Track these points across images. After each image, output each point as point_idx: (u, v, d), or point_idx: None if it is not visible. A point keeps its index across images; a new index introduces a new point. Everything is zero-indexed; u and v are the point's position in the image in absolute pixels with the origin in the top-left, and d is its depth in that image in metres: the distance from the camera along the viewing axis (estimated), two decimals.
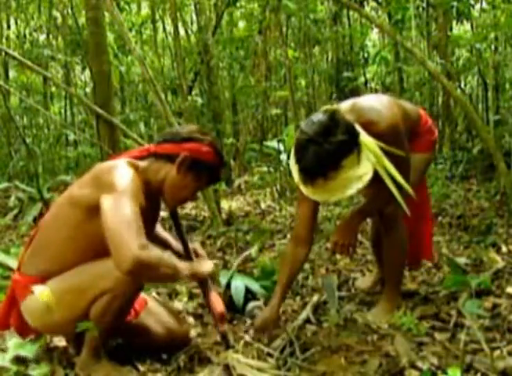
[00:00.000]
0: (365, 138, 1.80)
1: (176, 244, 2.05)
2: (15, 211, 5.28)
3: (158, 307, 2.00)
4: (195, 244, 2.08)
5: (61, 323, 1.68)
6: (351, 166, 1.74)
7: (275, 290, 2.08)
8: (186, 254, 1.95)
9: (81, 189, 1.69)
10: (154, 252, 1.54)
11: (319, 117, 1.76)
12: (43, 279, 1.68)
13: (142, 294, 1.91)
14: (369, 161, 1.78)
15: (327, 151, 1.68)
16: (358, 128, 1.80)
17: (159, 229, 2.09)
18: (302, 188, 1.84)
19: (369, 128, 1.84)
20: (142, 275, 1.55)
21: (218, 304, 1.88)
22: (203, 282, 1.88)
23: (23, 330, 1.77)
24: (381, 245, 2.32)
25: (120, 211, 1.54)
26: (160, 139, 1.84)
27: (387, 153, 1.87)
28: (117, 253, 1.49)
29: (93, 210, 1.61)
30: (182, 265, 1.67)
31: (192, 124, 1.99)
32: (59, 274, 1.67)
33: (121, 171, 1.65)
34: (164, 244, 2.03)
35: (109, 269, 1.59)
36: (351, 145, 1.73)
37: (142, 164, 1.78)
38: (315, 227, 2.18)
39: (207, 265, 1.78)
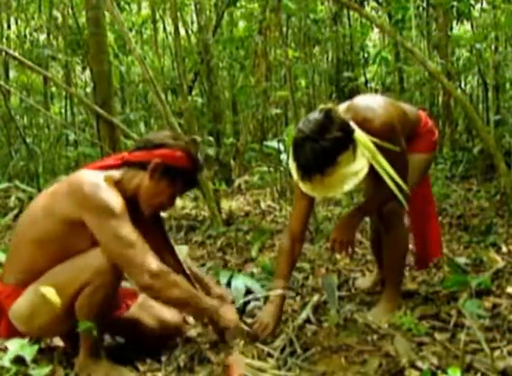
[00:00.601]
0: (360, 135, 1.84)
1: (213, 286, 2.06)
2: (15, 211, 5.27)
3: (149, 300, 2.00)
4: (207, 278, 2.10)
5: (48, 324, 1.68)
6: (347, 162, 1.79)
7: (275, 284, 2.08)
8: (177, 265, 1.95)
9: (58, 203, 1.67)
10: (170, 280, 1.64)
11: (314, 115, 1.81)
12: (22, 286, 1.70)
13: (134, 288, 1.93)
14: (364, 157, 1.83)
15: (323, 148, 1.73)
16: (353, 125, 1.84)
17: (191, 266, 2.09)
18: (301, 185, 1.89)
19: (365, 125, 1.88)
20: (155, 298, 1.66)
21: (237, 370, 1.67)
22: (225, 335, 1.82)
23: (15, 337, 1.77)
24: (381, 245, 2.33)
25: (120, 237, 1.60)
26: (133, 148, 1.85)
27: (382, 150, 1.90)
28: (137, 270, 1.60)
29: (71, 224, 1.64)
30: (206, 301, 1.74)
31: (165, 131, 1.98)
32: (35, 279, 1.68)
33: (104, 190, 1.65)
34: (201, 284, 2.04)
35: (87, 262, 1.62)
36: (347, 141, 1.78)
37: (117, 174, 1.77)
38: (307, 224, 2.25)
39: (234, 314, 1.81)
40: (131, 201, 1.76)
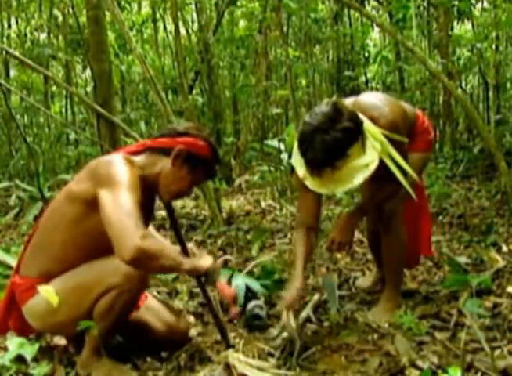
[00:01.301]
0: (369, 126, 1.81)
1: (168, 244, 2.05)
2: (15, 210, 5.27)
3: (158, 303, 2.00)
4: (191, 245, 2.08)
5: (66, 323, 1.68)
6: (357, 155, 1.75)
7: (295, 264, 2.04)
8: (183, 252, 1.95)
9: (78, 185, 1.70)
10: (156, 242, 1.57)
11: (321, 108, 1.77)
12: (45, 279, 1.68)
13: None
14: (374, 149, 1.78)
15: (334, 139, 1.69)
16: (361, 116, 1.81)
17: (153, 231, 2.08)
18: (308, 182, 1.83)
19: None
20: (144, 264, 1.55)
21: (227, 288, 1.83)
22: (204, 278, 1.83)
23: (24, 331, 1.78)
24: (379, 244, 2.33)
25: (119, 203, 1.55)
26: (156, 135, 1.87)
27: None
28: (119, 242, 1.49)
29: (91, 204, 1.62)
30: (184, 259, 1.69)
31: (189, 122, 2.01)
32: (62, 274, 1.67)
33: (118, 165, 1.66)
34: None
35: (115, 266, 1.60)
36: (357, 132, 1.74)
37: (138, 158, 1.79)
38: (320, 217, 2.17)
39: (207, 260, 1.77)
40: (150, 186, 1.78)
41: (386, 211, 2.17)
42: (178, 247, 1.98)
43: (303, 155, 1.76)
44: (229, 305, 1.88)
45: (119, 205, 1.54)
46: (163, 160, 1.78)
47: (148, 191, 1.78)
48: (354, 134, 1.73)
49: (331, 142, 1.68)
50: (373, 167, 1.76)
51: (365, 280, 2.66)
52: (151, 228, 2.07)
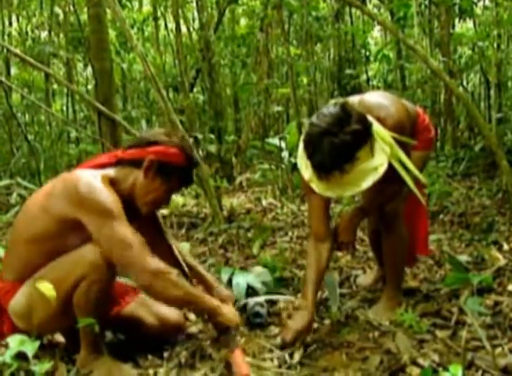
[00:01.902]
0: (378, 128, 1.78)
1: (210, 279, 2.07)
2: (17, 208, 5.26)
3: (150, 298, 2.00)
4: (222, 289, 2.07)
5: (46, 320, 1.69)
6: (366, 158, 1.71)
7: (305, 290, 1.98)
8: (175, 263, 1.96)
9: (54, 201, 1.67)
10: (170, 278, 1.63)
11: (329, 109, 1.71)
12: (20, 282, 1.70)
13: (133, 285, 1.93)
14: (383, 152, 1.75)
15: (343, 142, 1.64)
16: (370, 118, 1.78)
17: (191, 260, 2.10)
18: (314, 185, 1.79)
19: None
20: (156, 298, 1.66)
21: (243, 365, 1.67)
22: (227, 333, 1.78)
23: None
24: (380, 243, 2.32)
25: (118, 238, 1.60)
26: (126, 146, 1.84)
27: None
28: (137, 269, 1.60)
29: (66, 223, 1.64)
30: (207, 300, 1.72)
31: (158, 128, 1.98)
32: (32, 274, 1.69)
33: (102, 191, 1.64)
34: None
35: (81, 257, 1.63)
36: (366, 135, 1.70)
37: (112, 173, 1.77)
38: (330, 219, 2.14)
39: (235, 315, 1.78)
40: (127, 199, 1.75)
41: (388, 211, 2.16)
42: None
43: (309, 158, 1.71)
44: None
45: (121, 239, 1.59)
46: (135, 173, 1.76)
47: (126, 206, 1.74)
48: (363, 136, 1.69)
49: (340, 146, 1.64)
50: (382, 170, 1.73)
51: (366, 278, 2.66)
52: (190, 258, 2.10)
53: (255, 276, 2.44)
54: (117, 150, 1.90)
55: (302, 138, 1.77)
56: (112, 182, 1.74)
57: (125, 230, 1.61)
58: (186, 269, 2.00)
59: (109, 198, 1.64)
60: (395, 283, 2.26)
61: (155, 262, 1.63)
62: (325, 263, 2.03)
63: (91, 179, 1.67)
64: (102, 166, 1.79)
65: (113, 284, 1.78)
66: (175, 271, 1.70)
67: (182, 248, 2.13)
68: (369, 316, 2.16)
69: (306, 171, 1.81)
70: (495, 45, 7.56)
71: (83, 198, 1.62)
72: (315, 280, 1.98)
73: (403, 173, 1.87)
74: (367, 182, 1.72)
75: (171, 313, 1.97)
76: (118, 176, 1.77)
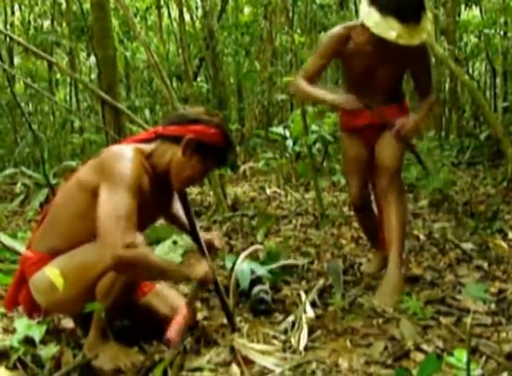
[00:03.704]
0: None
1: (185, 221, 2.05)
2: (21, 197, 5.30)
3: (166, 289, 2.02)
4: (214, 233, 2.08)
5: (66, 301, 1.69)
6: (425, 14, 2.13)
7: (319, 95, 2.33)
8: (194, 238, 1.96)
9: (87, 173, 1.71)
10: (139, 252, 1.54)
11: None
12: (52, 256, 1.70)
13: None
14: (428, 18, 2.16)
15: None
16: None
17: (177, 206, 2.07)
18: (402, 40, 2.08)
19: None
20: (126, 272, 1.60)
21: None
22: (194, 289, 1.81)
23: (32, 308, 1.79)
24: (371, 222, 2.58)
25: (113, 204, 1.55)
26: (166, 121, 1.85)
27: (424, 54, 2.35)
28: (103, 247, 1.53)
29: (95, 194, 1.62)
30: (173, 268, 1.68)
31: (199, 107, 1.98)
32: (67, 251, 1.69)
33: (124, 161, 1.64)
34: (178, 222, 2.06)
35: None
36: None
37: (149, 147, 1.78)
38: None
39: (201, 269, 1.74)
40: (162, 174, 1.77)
41: (395, 171, 2.36)
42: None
43: (398, 8, 2.04)
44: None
45: (112, 207, 1.55)
46: (173, 149, 1.76)
47: (159, 180, 1.77)
48: None
49: None
50: (429, 28, 2.20)
51: (370, 266, 2.67)
52: (180, 211, 2.05)
53: (259, 263, 2.44)
54: (157, 126, 1.90)
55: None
56: (148, 156, 1.75)
57: (125, 202, 1.56)
58: (205, 247, 2.00)
59: (127, 168, 1.63)
60: (399, 257, 2.31)
61: (132, 239, 1.54)
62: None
63: (122, 150, 1.69)
64: (141, 141, 1.80)
65: (139, 280, 1.78)
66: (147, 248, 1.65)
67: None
68: (373, 303, 2.17)
69: (391, 30, 2.08)
70: (501, 32, 7.47)
71: (105, 166, 1.63)
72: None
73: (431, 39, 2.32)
74: (424, 35, 2.16)
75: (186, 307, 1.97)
76: (156, 151, 1.77)
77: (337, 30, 2.32)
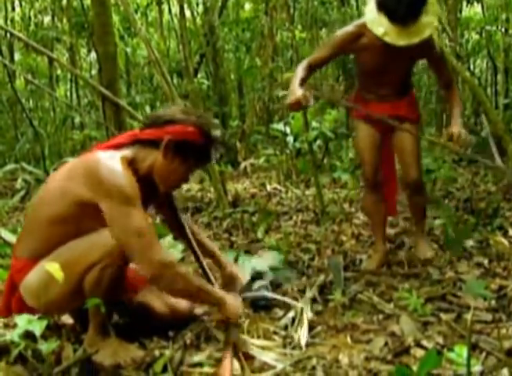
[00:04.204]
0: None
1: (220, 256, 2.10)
2: (22, 193, 5.30)
3: None
4: (236, 269, 2.11)
5: (57, 300, 1.69)
6: (425, 14, 2.19)
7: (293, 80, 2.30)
8: (184, 238, 1.97)
9: (74, 184, 1.66)
10: (180, 270, 1.65)
11: None
12: (34, 260, 1.70)
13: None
14: (433, 13, 2.23)
15: None
16: None
17: (202, 235, 2.12)
18: (389, 38, 2.19)
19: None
20: (165, 288, 1.68)
21: (224, 368, 1.63)
22: (229, 331, 1.80)
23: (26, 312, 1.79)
24: (384, 216, 2.73)
25: (133, 225, 1.59)
26: (143, 124, 1.82)
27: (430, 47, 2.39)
28: (144, 258, 1.60)
29: (84, 206, 1.63)
30: (212, 291, 1.76)
31: (175, 106, 1.95)
32: (48, 255, 1.69)
33: (120, 175, 1.62)
34: (180, 231, 2.06)
35: (97, 241, 1.63)
36: None
37: (130, 153, 1.75)
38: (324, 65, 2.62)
39: (239, 307, 1.80)
40: (145, 179, 1.75)
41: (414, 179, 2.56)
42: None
43: (397, 4, 2.12)
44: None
45: (136, 226, 1.59)
46: (154, 154, 1.74)
47: (146, 185, 1.75)
48: None
49: None
50: (435, 23, 2.25)
51: (371, 262, 2.66)
52: (199, 230, 2.13)
53: (260, 260, 2.44)
54: (134, 130, 1.89)
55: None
56: (130, 163, 1.73)
57: (140, 218, 1.60)
58: (197, 249, 2.00)
59: (128, 184, 1.62)
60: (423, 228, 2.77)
61: (164, 254, 1.64)
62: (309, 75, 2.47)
63: (112, 162, 1.65)
64: (121, 146, 1.78)
65: (126, 271, 1.78)
66: (183, 266, 1.71)
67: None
68: (373, 299, 2.17)
69: (380, 27, 2.20)
70: (503, 29, 7.45)
71: (101, 182, 1.61)
72: (304, 79, 2.34)
73: (436, 35, 2.34)
74: (426, 33, 2.22)
75: (181, 302, 1.98)
76: (137, 156, 1.75)
77: (350, 27, 2.42)
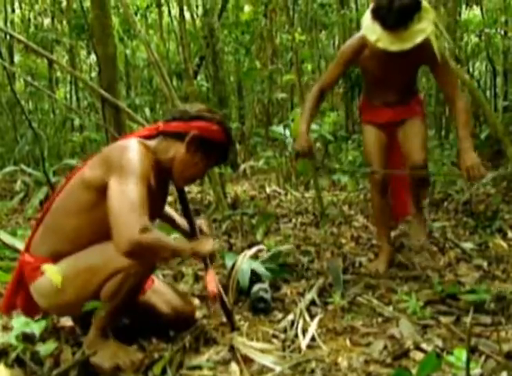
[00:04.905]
0: (426, 5, 2.25)
1: (180, 220, 2.07)
2: (21, 195, 5.30)
3: (165, 287, 2.01)
4: (201, 221, 2.08)
5: (71, 304, 1.68)
6: (418, 21, 2.22)
7: (302, 119, 2.49)
8: (192, 232, 1.96)
9: (91, 171, 1.68)
10: (153, 235, 1.53)
11: None
12: (55, 259, 1.68)
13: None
14: (427, 21, 2.25)
15: (416, 1, 2.21)
16: None
17: (169, 211, 2.10)
18: (381, 43, 2.24)
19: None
20: (141, 256, 1.57)
21: (210, 283, 1.78)
22: (205, 260, 1.84)
23: (31, 311, 1.78)
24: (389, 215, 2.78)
25: (125, 192, 1.53)
26: (168, 117, 1.83)
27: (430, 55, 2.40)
28: (117, 234, 1.49)
29: (104, 191, 1.60)
30: (183, 246, 1.69)
31: (201, 104, 1.97)
32: (71, 254, 1.67)
33: (131, 152, 1.63)
34: (169, 220, 2.07)
35: None
36: (419, 4, 2.23)
37: (152, 143, 1.77)
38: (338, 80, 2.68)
39: (208, 244, 1.77)
40: (164, 171, 1.76)
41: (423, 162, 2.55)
42: (184, 221, 2.02)
43: (388, 16, 2.17)
44: (209, 299, 1.81)
45: (124, 196, 1.53)
46: (176, 145, 1.76)
47: (161, 175, 1.76)
48: (418, 4, 2.22)
49: (413, 3, 2.19)
50: (429, 30, 2.25)
51: (379, 264, 2.64)
52: (167, 208, 2.07)
53: (260, 262, 2.44)
54: (157, 123, 1.89)
55: (372, 7, 2.26)
56: (152, 152, 1.73)
57: (138, 190, 1.55)
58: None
59: (137, 158, 1.61)
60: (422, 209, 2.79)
61: (145, 226, 1.52)
62: (320, 105, 2.63)
63: (126, 143, 1.67)
64: (144, 137, 1.79)
65: (146, 281, 1.77)
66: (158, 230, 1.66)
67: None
68: (372, 302, 2.17)
69: (373, 33, 2.25)
70: (502, 32, 7.46)
71: (113, 160, 1.61)
72: (312, 115, 2.51)
73: (434, 42, 2.35)
74: (418, 39, 2.23)
75: (184, 304, 1.98)
76: (158, 147, 1.76)
77: (352, 41, 2.50)
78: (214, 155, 1.82)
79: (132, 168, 1.59)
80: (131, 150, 1.64)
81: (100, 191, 1.62)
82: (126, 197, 1.53)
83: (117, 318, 1.81)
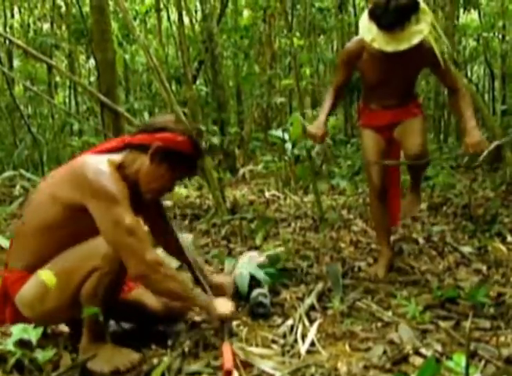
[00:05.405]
0: (424, 7, 2.28)
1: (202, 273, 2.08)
2: (20, 200, 5.29)
3: None
4: (226, 278, 2.15)
5: (54, 310, 1.69)
6: (415, 22, 2.24)
7: (320, 112, 2.59)
8: (175, 246, 1.97)
9: (62, 188, 1.67)
10: (168, 271, 1.65)
11: None
12: (30, 271, 1.69)
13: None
14: (425, 22, 2.27)
15: (414, 2, 2.23)
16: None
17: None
18: (376, 43, 2.26)
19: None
20: (154, 280, 1.64)
21: (228, 362, 1.65)
22: (222, 328, 1.82)
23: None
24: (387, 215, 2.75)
25: (120, 225, 1.59)
26: (135, 131, 1.85)
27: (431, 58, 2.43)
28: (133, 258, 1.60)
29: (74, 210, 1.64)
30: (199, 294, 1.77)
31: (168, 115, 1.97)
32: (44, 265, 1.68)
33: (108, 177, 1.64)
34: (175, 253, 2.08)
35: (95, 248, 1.63)
36: (417, 5, 2.25)
37: (118, 157, 1.77)
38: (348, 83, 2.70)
39: (226, 307, 1.80)
40: (133, 185, 1.76)
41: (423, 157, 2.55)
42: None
43: (384, 16, 2.19)
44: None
45: (124, 227, 1.59)
46: (142, 158, 1.76)
47: (132, 189, 1.75)
48: (416, 5, 2.24)
49: (410, 4, 2.21)
50: (425, 32, 2.26)
51: (378, 268, 2.64)
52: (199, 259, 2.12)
53: (258, 267, 2.44)
54: (123, 136, 1.90)
55: (370, 8, 2.30)
56: (118, 167, 1.73)
57: (128, 216, 1.61)
58: (191, 260, 2.01)
59: (115, 184, 1.63)
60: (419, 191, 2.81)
61: (154, 253, 1.65)
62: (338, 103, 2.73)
63: (98, 164, 1.67)
64: (110, 151, 1.79)
65: (124, 277, 1.77)
66: (173, 266, 1.70)
67: (185, 240, 2.14)
68: (372, 307, 2.16)
69: (369, 33, 2.28)
70: (500, 36, 7.49)
71: (88, 183, 1.62)
72: (328, 111, 2.59)
73: (434, 43, 2.38)
74: (415, 40, 2.25)
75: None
76: (125, 160, 1.77)
77: (350, 43, 2.55)
78: (181, 167, 1.81)
79: (113, 195, 1.61)
80: (106, 173, 1.65)
81: (70, 210, 1.65)
82: (126, 229, 1.59)
83: (106, 318, 1.80)
